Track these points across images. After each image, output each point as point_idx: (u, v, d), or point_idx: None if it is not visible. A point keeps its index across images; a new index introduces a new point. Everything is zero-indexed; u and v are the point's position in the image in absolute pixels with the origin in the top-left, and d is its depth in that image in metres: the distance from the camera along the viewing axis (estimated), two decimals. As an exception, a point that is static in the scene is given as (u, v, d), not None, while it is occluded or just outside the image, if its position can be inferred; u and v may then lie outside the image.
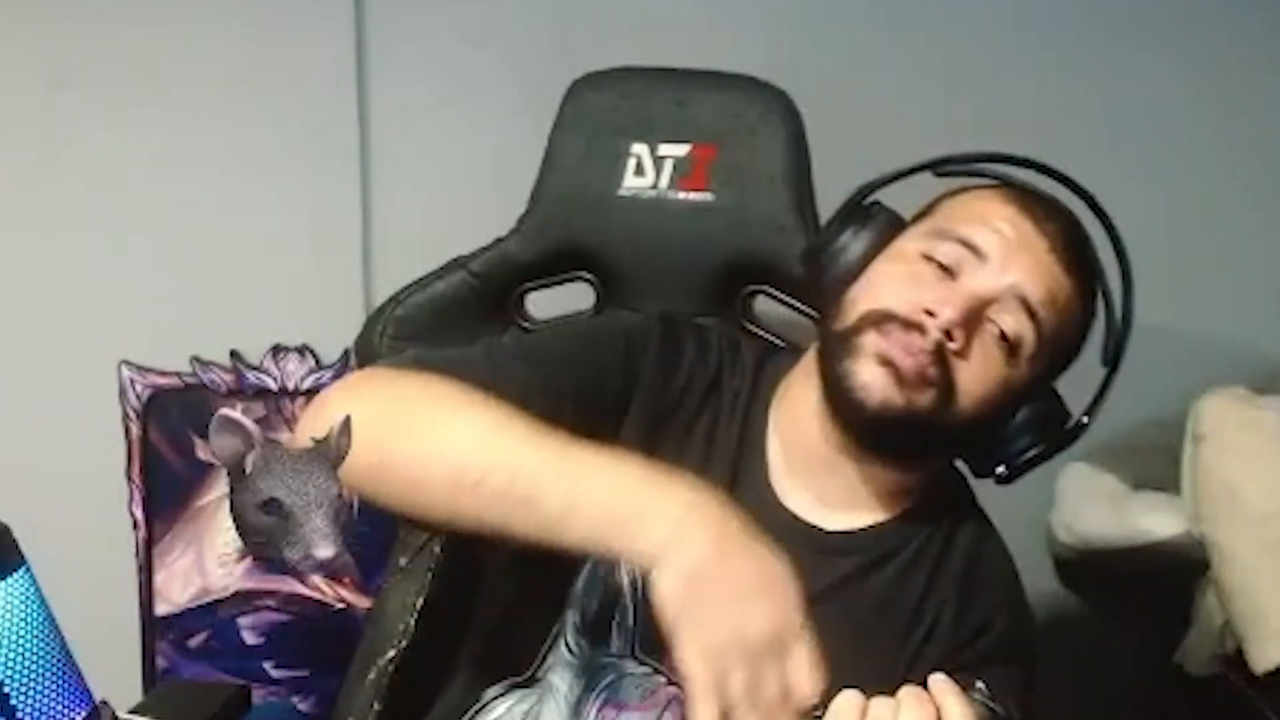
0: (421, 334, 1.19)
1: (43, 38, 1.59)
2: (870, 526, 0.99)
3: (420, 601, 1.09)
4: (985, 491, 1.08)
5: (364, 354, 1.20)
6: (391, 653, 1.08)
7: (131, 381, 1.66)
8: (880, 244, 0.98)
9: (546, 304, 1.25)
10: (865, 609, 0.96)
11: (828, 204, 1.12)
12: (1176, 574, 1.64)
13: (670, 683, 0.92)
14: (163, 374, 1.67)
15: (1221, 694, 1.58)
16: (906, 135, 1.75)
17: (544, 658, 0.95)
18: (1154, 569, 1.65)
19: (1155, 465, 1.67)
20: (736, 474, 0.97)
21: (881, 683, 0.80)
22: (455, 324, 1.19)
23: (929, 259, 0.94)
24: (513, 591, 0.98)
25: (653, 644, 0.91)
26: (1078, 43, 1.78)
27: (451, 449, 0.80)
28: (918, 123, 1.76)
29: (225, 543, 1.69)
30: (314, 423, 0.82)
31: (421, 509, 0.82)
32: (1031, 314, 0.93)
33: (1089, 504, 1.70)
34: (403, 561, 1.13)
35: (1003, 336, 0.93)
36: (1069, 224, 1.00)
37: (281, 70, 1.63)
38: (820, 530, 0.97)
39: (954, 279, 0.93)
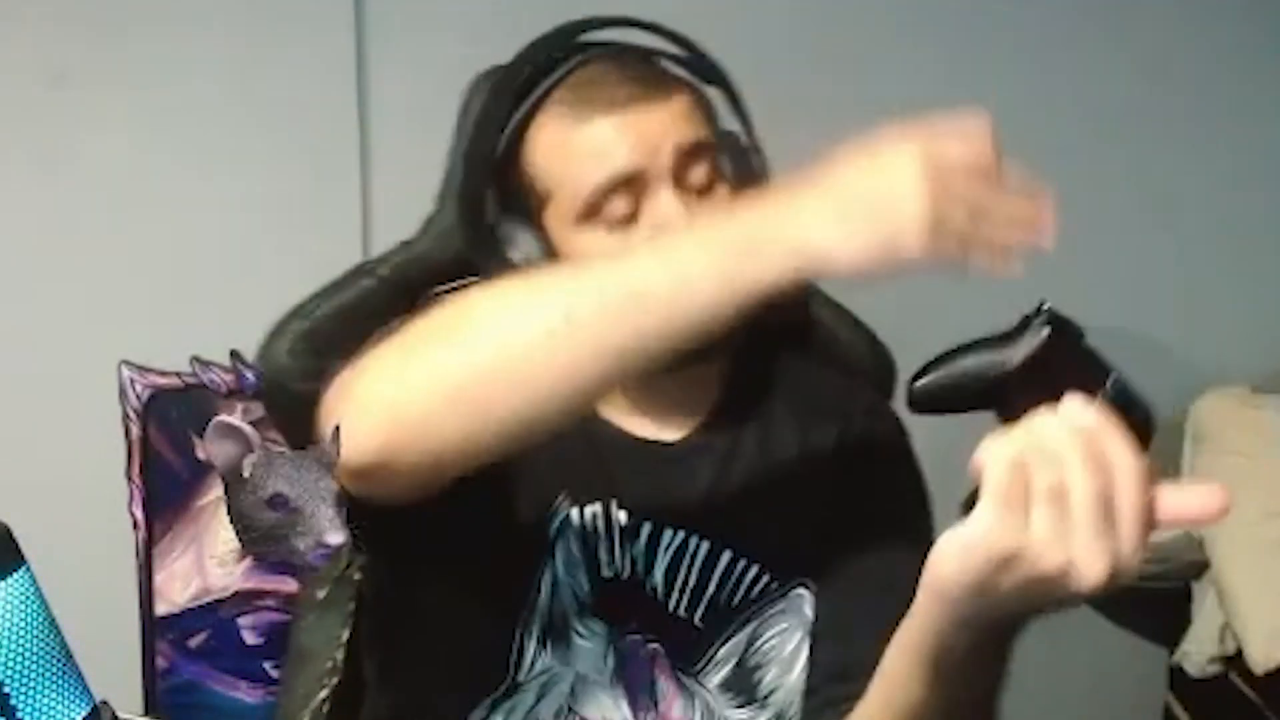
0: (333, 346, 1.03)
1: (43, 38, 1.59)
2: (705, 422, 0.95)
3: (346, 634, 1.04)
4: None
5: (271, 373, 1.09)
6: (324, 693, 1.03)
7: (131, 381, 1.66)
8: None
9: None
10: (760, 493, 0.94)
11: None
12: (1176, 574, 1.64)
13: (647, 641, 0.92)
14: (163, 374, 1.67)
15: (1221, 694, 1.58)
16: (857, 130, 1.76)
17: (516, 666, 0.92)
18: (1154, 569, 1.65)
19: (1155, 465, 1.67)
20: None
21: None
22: (367, 332, 1.08)
23: (608, 225, 0.87)
24: (458, 607, 0.92)
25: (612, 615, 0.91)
26: (1078, 43, 1.78)
27: (511, 325, 0.74)
28: (882, 123, 1.76)
29: (225, 543, 1.69)
30: (366, 425, 0.76)
31: (528, 395, 0.74)
32: (701, 153, 0.89)
33: (1089, 504, 1.70)
34: (320, 594, 1.08)
35: (701, 190, 0.88)
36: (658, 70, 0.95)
37: (281, 70, 1.63)
38: (663, 444, 0.93)
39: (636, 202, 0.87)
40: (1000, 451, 0.60)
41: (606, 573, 0.91)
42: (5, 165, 1.60)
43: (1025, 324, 0.92)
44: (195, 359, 1.67)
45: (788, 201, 0.72)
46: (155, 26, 1.60)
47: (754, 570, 0.93)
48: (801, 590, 0.94)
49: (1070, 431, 0.61)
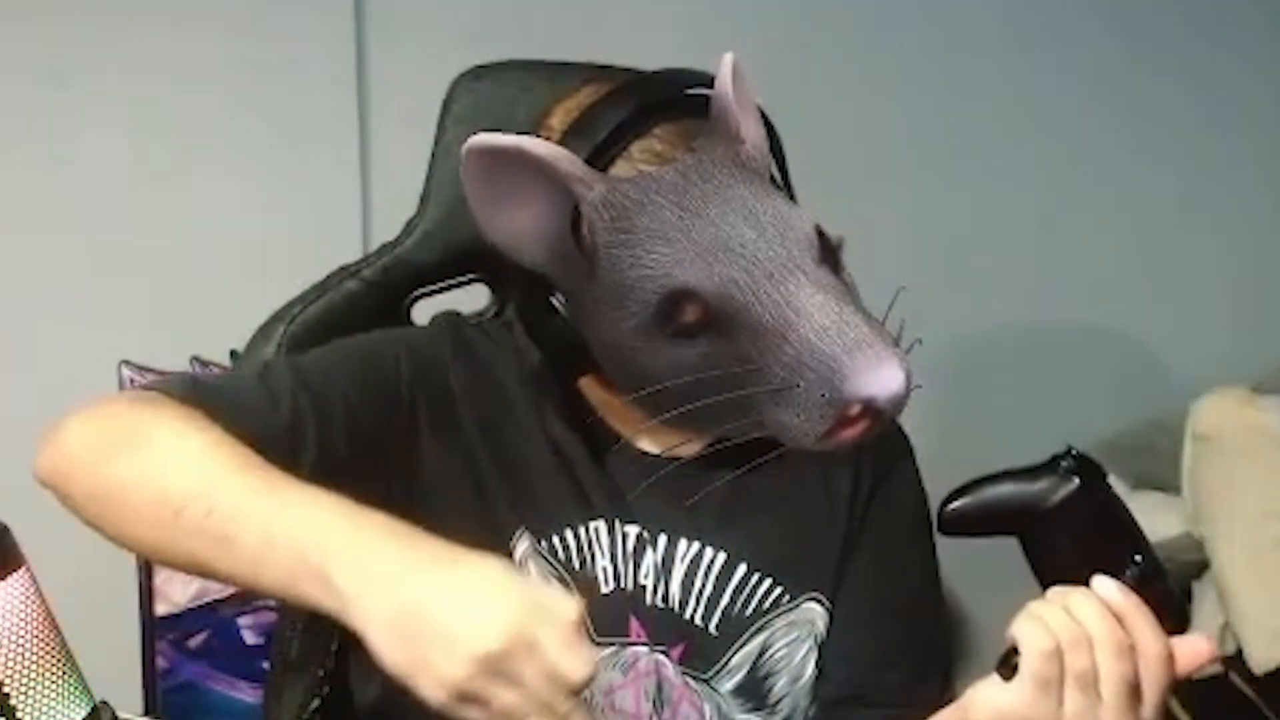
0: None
1: (43, 38, 1.59)
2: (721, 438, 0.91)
3: (335, 644, 1.01)
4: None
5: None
6: (315, 703, 1.01)
7: (131, 381, 1.66)
8: None
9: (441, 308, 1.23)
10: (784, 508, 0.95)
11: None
12: (1176, 574, 1.64)
13: (647, 648, 0.92)
14: (163, 374, 1.66)
15: (1222, 694, 1.57)
16: (877, 139, 1.77)
17: None
18: (1154, 569, 1.65)
19: (1155, 465, 1.67)
20: (590, 442, 0.94)
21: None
22: (351, 334, 1.04)
23: None
24: None
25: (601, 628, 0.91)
26: (1075, 43, 1.78)
27: (158, 473, 0.76)
28: (889, 128, 1.76)
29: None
30: (47, 448, 0.84)
31: (133, 540, 0.78)
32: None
33: (1089, 504, 1.70)
34: (292, 653, 1.04)
35: None
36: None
37: (281, 70, 1.63)
38: (678, 460, 0.90)
39: None
40: (1037, 636, 0.71)
41: (607, 588, 0.92)
42: (5, 165, 1.60)
43: (1054, 465, 1.00)
44: (195, 359, 1.67)
45: (389, 573, 0.67)
46: (155, 27, 1.60)
47: (767, 583, 0.94)
48: (813, 604, 0.95)
49: (1100, 616, 0.71)
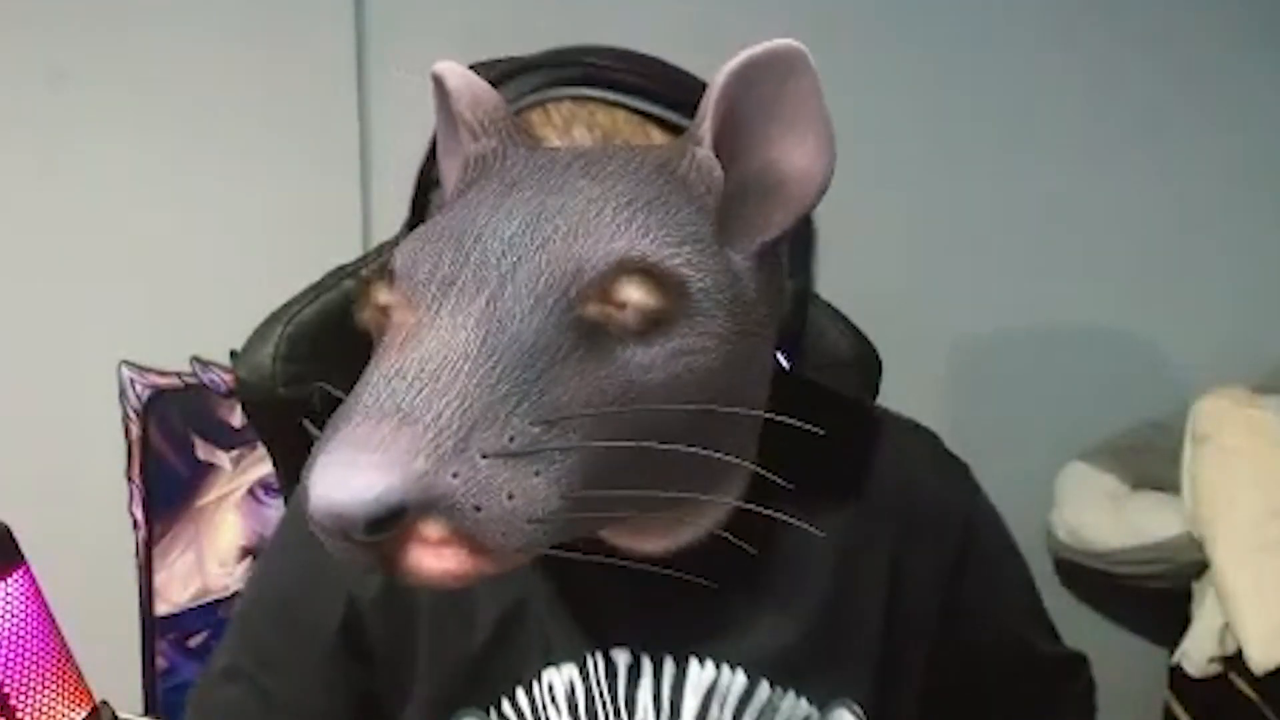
0: (316, 350, 1.05)
1: (43, 38, 1.59)
2: (727, 525, 0.75)
3: None
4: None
5: (254, 378, 1.03)
6: None
7: (131, 381, 1.66)
8: None
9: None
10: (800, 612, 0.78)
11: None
12: (1176, 574, 1.64)
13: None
14: (163, 374, 1.66)
15: (1221, 694, 1.57)
16: (875, 140, 1.77)
17: None
18: (1153, 569, 1.65)
19: (1155, 465, 1.67)
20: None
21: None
22: (350, 335, 1.01)
23: None
24: None
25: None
26: (1078, 42, 1.78)
27: None
28: (887, 129, 1.76)
29: (225, 543, 1.69)
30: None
31: None
32: None
33: (1089, 504, 1.70)
34: None
35: None
36: None
37: (282, 70, 1.63)
38: (677, 560, 0.74)
39: None
40: None
41: None
42: (5, 165, 1.60)
43: None
44: (195, 359, 1.67)
45: None
46: (155, 26, 1.60)
47: (791, 696, 0.78)
48: (843, 711, 0.81)
49: None
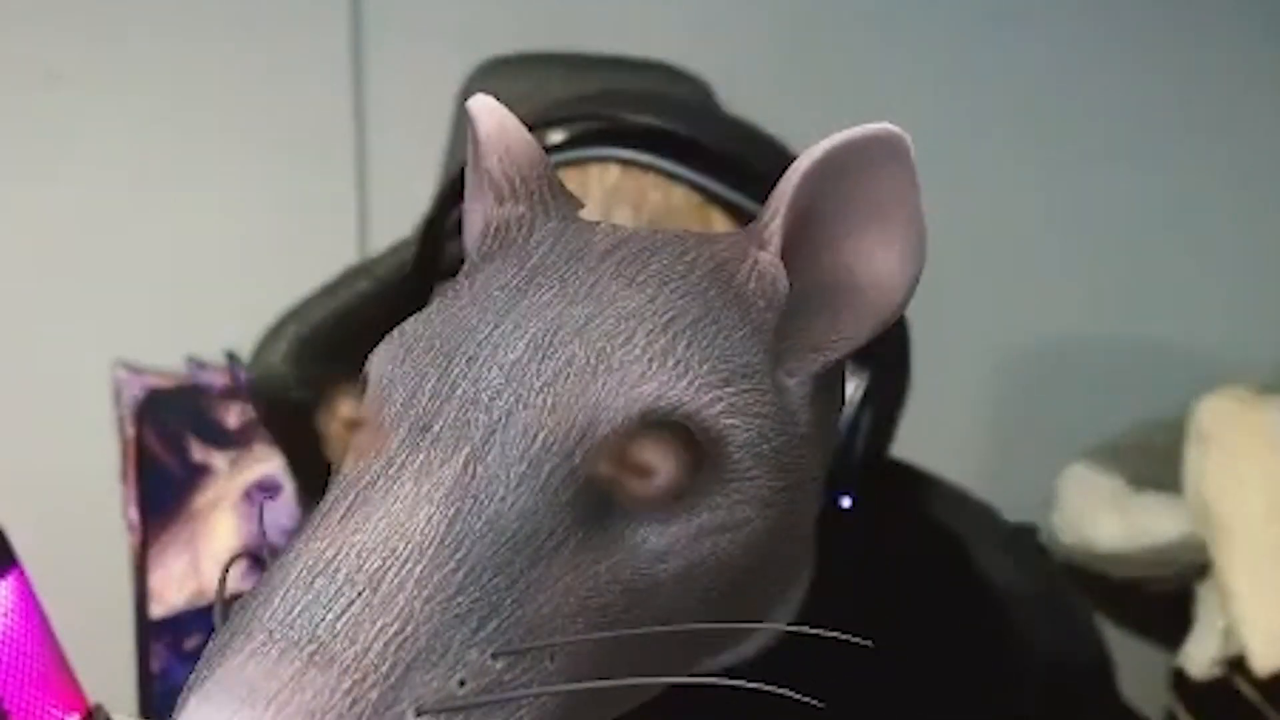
0: (332, 351, 1.02)
1: (39, 36, 1.58)
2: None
3: None
4: (979, 494, 1.07)
5: (267, 379, 1.01)
6: None
7: (126, 382, 1.65)
8: None
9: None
10: None
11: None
12: (1179, 576, 1.63)
13: None
14: (158, 374, 1.66)
15: (1224, 696, 1.57)
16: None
17: None
18: (1156, 571, 1.65)
19: (1157, 466, 1.67)
20: None
21: None
22: (364, 336, 0.99)
23: None
24: None
25: None
26: (1074, 44, 1.78)
27: None
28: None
29: (221, 545, 1.68)
30: None
31: None
32: None
33: (1090, 505, 1.69)
34: None
35: None
36: None
37: (277, 70, 1.62)
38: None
39: None
40: None
41: None
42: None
43: None
44: (190, 359, 1.66)
45: None
46: (151, 26, 1.60)
47: None
48: None
49: None
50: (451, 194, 0.75)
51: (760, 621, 0.51)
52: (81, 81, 1.60)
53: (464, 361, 0.44)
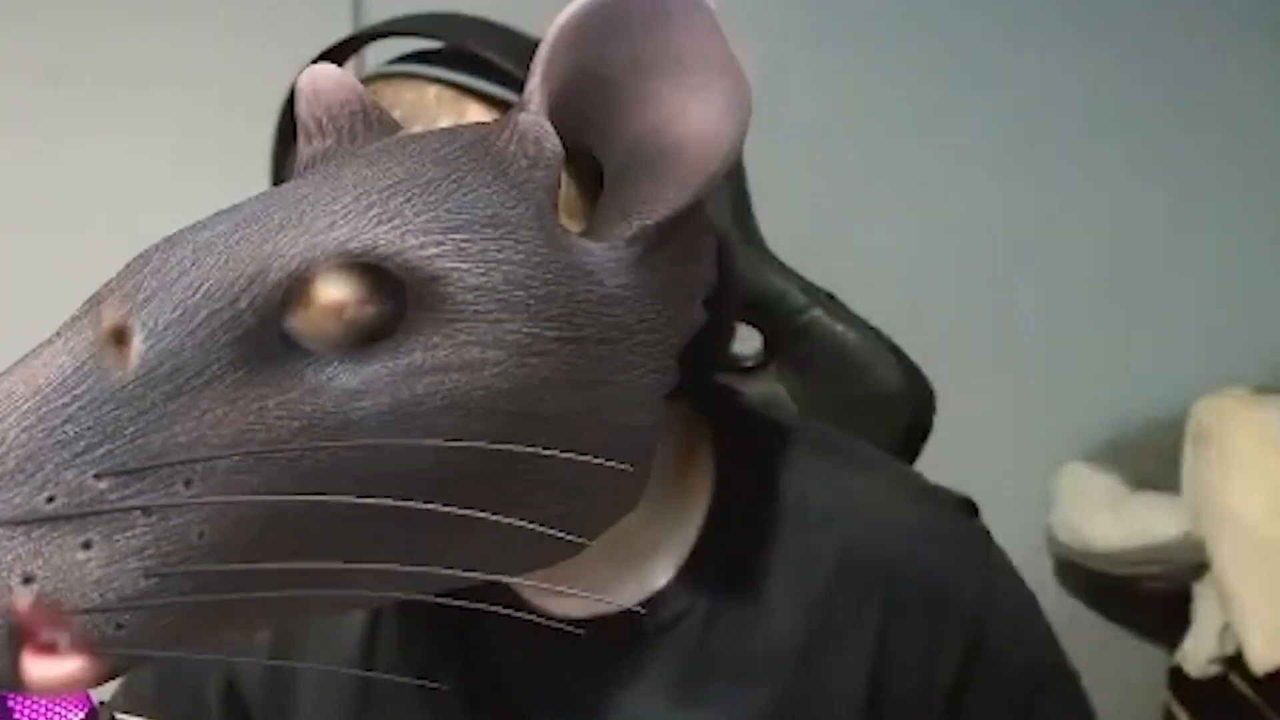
0: None
1: (41, 36, 1.58)
2: (677, 577, 0.68)
3: None
4: (979, 494, 1.06)
5: None
6: None
7: (127, 381, 1.66)
8: None
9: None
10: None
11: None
12: (1177, 575, 1.64)
13: None
14: (158, 374, 1.66)
15: (1222, 695, 1.57)
16: (874, 143, 1.77)
17: None
18: (1154, 570, 1.65)
19: (1155, 465, 1.67)
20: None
21: None
22: None
23: None
24: None
25: None
26: (1078, 41, 1.78)
27: None
28: (886, 132, 1.76)
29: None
30: None
31: None
32: None
33: (1088, 504, 1.70)
34: None
35: None
36: None
37: (279, 69, 1.62)
38: (612, 623, 0.66)
39: None
40: None
41: None
42: (2, 164, 1.60)
43: None
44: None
45: None
46: (151, 25, 1.60)
47: None
48: None
49: None
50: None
51: (589, 516, 0.46)
52: (81, 81, 1.60)
53: (166, 244, 0.45)
